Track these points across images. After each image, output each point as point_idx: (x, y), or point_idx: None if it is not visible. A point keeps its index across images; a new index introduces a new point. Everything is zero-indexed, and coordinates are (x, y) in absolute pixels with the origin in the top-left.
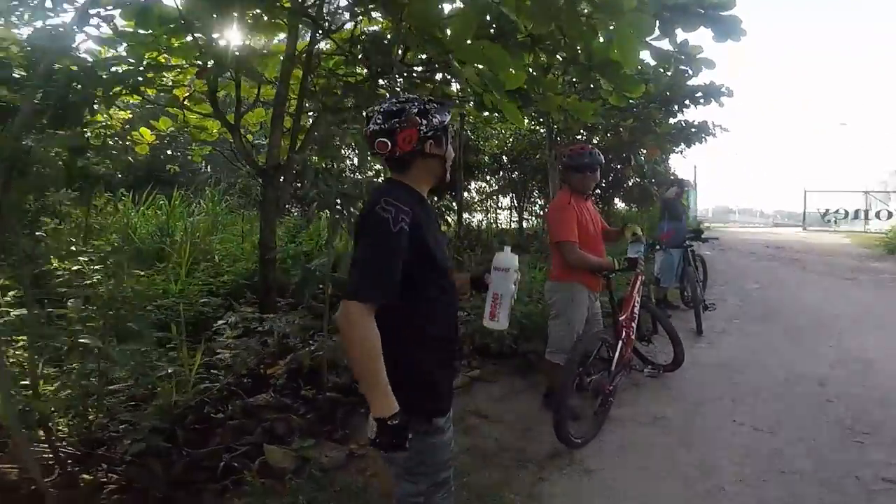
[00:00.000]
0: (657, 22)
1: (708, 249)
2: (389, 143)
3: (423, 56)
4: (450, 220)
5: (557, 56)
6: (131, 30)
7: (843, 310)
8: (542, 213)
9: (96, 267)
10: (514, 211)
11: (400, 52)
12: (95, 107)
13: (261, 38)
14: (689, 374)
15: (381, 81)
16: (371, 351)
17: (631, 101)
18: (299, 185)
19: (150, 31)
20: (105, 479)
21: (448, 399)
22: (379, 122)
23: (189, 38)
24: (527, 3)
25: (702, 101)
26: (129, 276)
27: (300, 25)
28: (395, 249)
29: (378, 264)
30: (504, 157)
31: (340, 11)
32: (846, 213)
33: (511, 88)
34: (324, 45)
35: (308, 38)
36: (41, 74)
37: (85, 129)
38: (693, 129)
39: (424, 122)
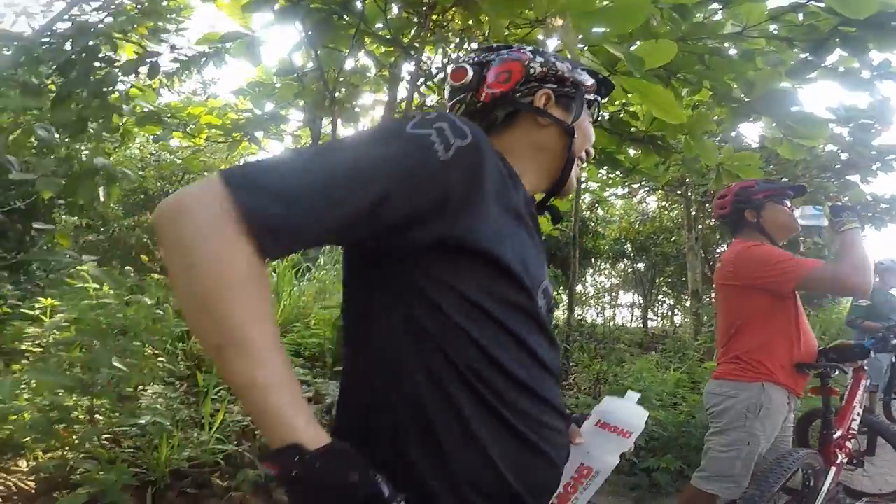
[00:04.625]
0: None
1: None
2: (470, 72)
3: None
4: (557, 314)
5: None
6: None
7: None
8: (669, 313)
9: None
10: (636, 308)
11: None
12: None
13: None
14: None
15: None
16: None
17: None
18: None
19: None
20: None
21: None
22: (470, 59)
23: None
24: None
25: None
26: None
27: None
28: (412, 169)
29: (347, 169)
30: (628, 244)
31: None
32: None
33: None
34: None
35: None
36: None
37: None
38: (885, 205)
39: (540, 60)
